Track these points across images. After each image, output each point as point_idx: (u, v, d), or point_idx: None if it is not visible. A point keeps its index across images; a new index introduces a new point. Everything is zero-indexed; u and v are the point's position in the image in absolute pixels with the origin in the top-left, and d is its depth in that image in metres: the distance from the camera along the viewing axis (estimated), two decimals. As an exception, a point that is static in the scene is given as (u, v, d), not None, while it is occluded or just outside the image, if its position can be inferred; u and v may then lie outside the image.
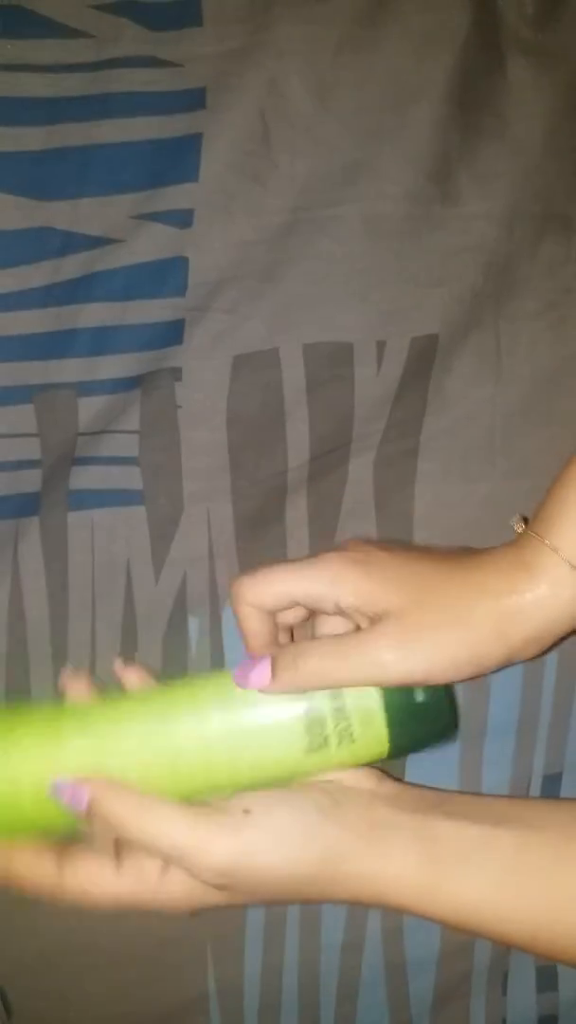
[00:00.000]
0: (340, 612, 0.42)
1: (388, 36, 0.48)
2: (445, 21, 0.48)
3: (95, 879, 0.43)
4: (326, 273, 0.50)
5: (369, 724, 0.42)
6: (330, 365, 0.51)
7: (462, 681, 0.42)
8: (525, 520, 0.43)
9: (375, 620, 0.41)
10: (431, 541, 0.53)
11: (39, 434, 0.50)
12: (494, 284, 0.50)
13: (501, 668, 0.42)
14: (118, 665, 0.46)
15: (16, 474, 0.50)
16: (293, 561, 0.44)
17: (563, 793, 0.56)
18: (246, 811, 0.42)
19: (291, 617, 0.45)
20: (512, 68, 0.50)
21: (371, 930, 0.54)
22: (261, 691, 0.42)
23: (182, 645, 0.54)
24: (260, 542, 0.53)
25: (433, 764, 0.52)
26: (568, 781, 0.56)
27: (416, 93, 0.49)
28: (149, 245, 0.49)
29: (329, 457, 0.52)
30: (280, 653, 0.42)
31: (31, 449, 0.50)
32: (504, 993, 0.55)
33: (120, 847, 0.43)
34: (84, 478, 0.51)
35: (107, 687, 0.46)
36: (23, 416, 0.50)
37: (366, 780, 0.45)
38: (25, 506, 0.51)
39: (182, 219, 0.49)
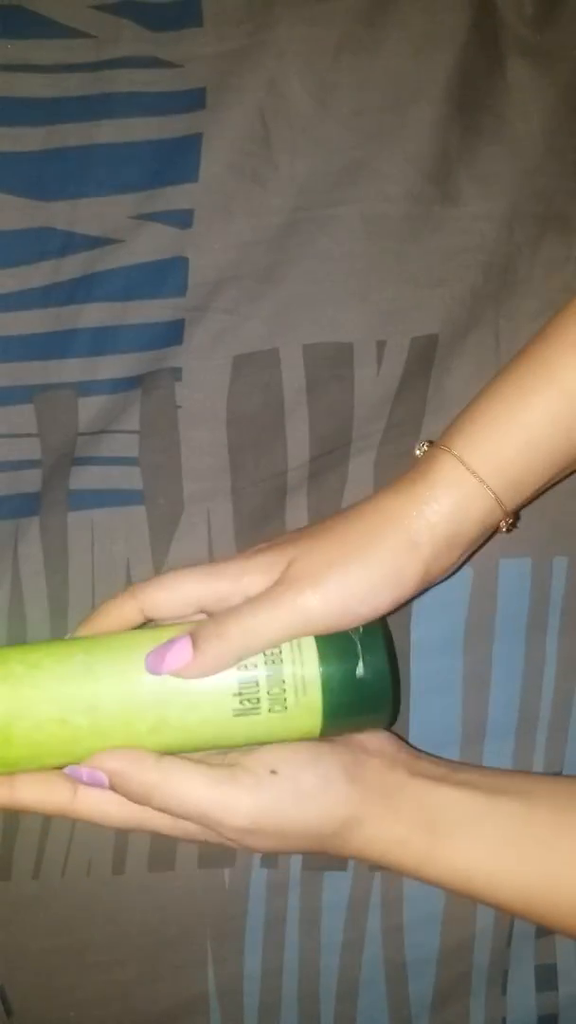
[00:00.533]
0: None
1: (388, 37, 0.48)
2: (445, 22, 0.49)
3: (111, 799, 0.43)
4: (326, 273, 0.50)
5: (304, 692, 0.41)
6: (330, 365, 0.51)
7: (391, 611, 0.42)
8: (429, 442, 0.44)
9: (282, 574, 0.42)
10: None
11: (39, 434, 0.50)
12: (494, 284, 0.51)
13: (423, 588, 0.42)
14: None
15: (16, 474, 0.50)
16: (197, 565, 0.44)
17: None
18: (273, 772, 0.42)
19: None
20: (511, 68, 0.50)
21: (371, 930, 0.54)
22: (184, 675, 0.41)
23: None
24: (260, 542, 0.53)
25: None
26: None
27: (416, 93, 0.49)
28: (149, 245, 0.49)
29: (329, 457, 0.52)
30: (198, 628, 0.42)
31: (31, 449, 0.50)
32: (504, 992, 0.55)
33: None
34: (84, 478, 0.51)
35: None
36: (23, 416, 0.50)
37: (388, 744, 0.45)
38: (25, 506, 0.51)
39: (182, 219, 0.49)
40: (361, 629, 0.43)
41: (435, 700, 0.52)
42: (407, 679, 0.52)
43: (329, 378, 0.51)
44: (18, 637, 0.51)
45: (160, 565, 0.52)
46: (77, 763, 0.43)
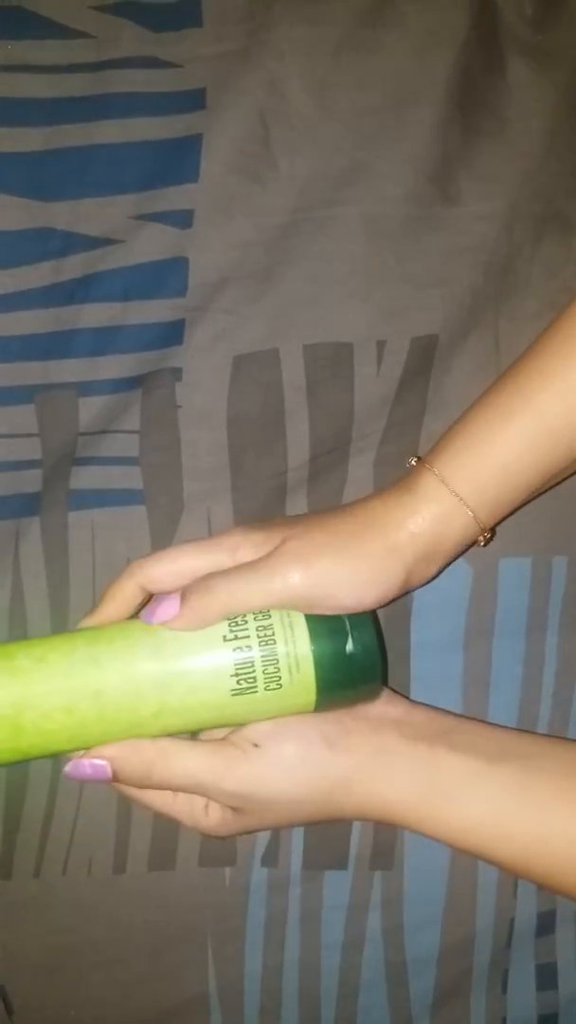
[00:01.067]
0: None
1: (388, 37, 0.48)
2: (445, 22, 0.49)
3: (157, 793, 0.46)
4: (326, 273, 0.50)
5: (297, 670, 0.43)
6: (330, 365, 0.51)
7: (373, 608, 0.44)
8: (419, 457, 0.46)
9: (276, 548, 0.43)
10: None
11: (40, 434, 0.50)
12: (494, 284, 0.51)
13: (404, 591, 0.44)
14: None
15: (17, 474, 0.50)
16: (192, 540, 0.46)
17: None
18: (255, 745, 0.44)
19: None
20: (512, 69, 0.50)
21: (371, 929, 0.54)
22: (174, 626, 0.43)
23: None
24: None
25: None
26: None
27: (416, 94, 0.49)
28: (149, 245, 0.49)
29: (329, 457, 0.52)
30: (189, 586, 0.44)
31: (32, 449, 0.50)
32: (504, 991, 0.55)
33: None
34: (85, 478, 0.51)
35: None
36: (24, 416, 0.50)
37: (374, 708, 0.47)
38: (26, 506, 0.51)
39: (182, 219, 0.49)
40: None
41: (435, 699, 0.52)
42: (407, 678, 0.52)
43: (329, 378, 0.51)
44: (19, 636, 0.51)
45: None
46: (85, 748, 0.44)
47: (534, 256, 0.51)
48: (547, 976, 0.55)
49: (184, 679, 0.43)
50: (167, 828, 0.52)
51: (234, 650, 0.43)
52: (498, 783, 0.45)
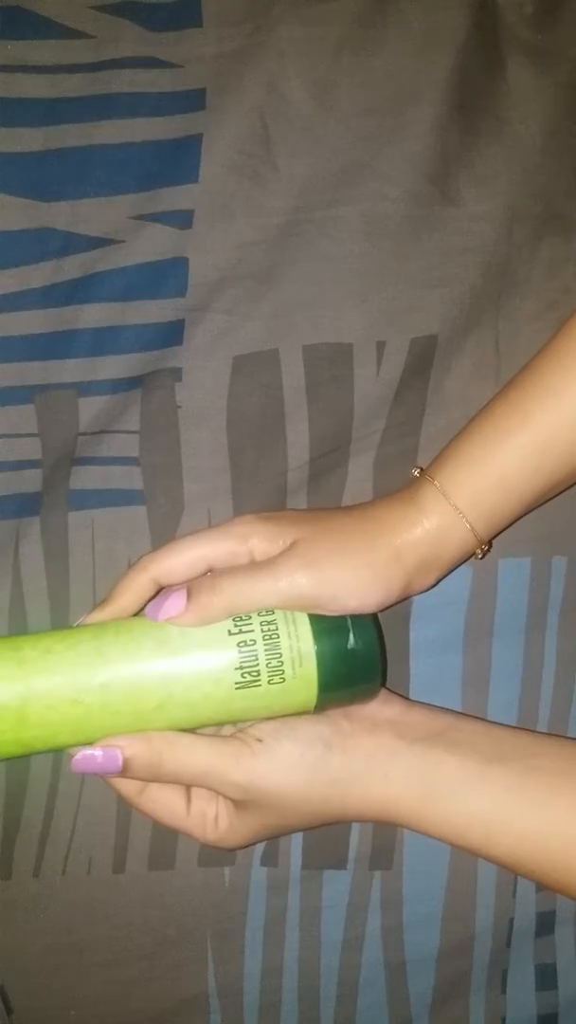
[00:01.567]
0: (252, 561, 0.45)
1: (388, 37, 0.48)
2: (445, 22, 0.49)
3: (168, 809, 0.47)
4: (326, 274, 0.50)
5: (300, 664, 0.44)
6: (330, 365, 0.51)
7: (375, 609, 0.45)
8: (421, 469, 0.48)
9: (285, 549, 0.44)
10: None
11: (40, 434, 0.50)
12: (493, 284, 0.51)
13: (404, 597, 0.46)
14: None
15: (17, 474, 0.50)
16: (202, 530, 0.46)
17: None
18: (258, 740, 0.45)
19: None
20: (512, 69, 0.50)
21: (371, 929, 0.54)
22: (179, 622, 0.44)
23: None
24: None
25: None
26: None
27: (416, 94, 0.49)
28: (149, 246, 0.49)
29: (329, 457, 0.52)
30: (195, 583, 0.44)
31: (32, 449, 0.50)
32: (503, 991, 0.55)
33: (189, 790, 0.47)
34: (85, 478, 0.51)
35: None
36: (24, 416, 0.50)
37: (370, 709, 0.47)
38: (26, 506, 0.51)
39: (182, 220, 0.49)
40: None
41: (434, 698, 0.52)
42: (406, 677, 0.53)
43: (329, 378, 0.51)
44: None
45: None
46: (89, 741, 0.44)
47: (533, 256, 0.51)
48: (546, 976, 0.55)
49: (189, 672, 0.44)
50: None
51: (238, 644, 0.44)
52: (495, 782, 0.45)
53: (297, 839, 0.53)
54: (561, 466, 0.44)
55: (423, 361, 0.51)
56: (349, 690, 0.45)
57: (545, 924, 0.55)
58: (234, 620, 0.44)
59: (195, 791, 0.47)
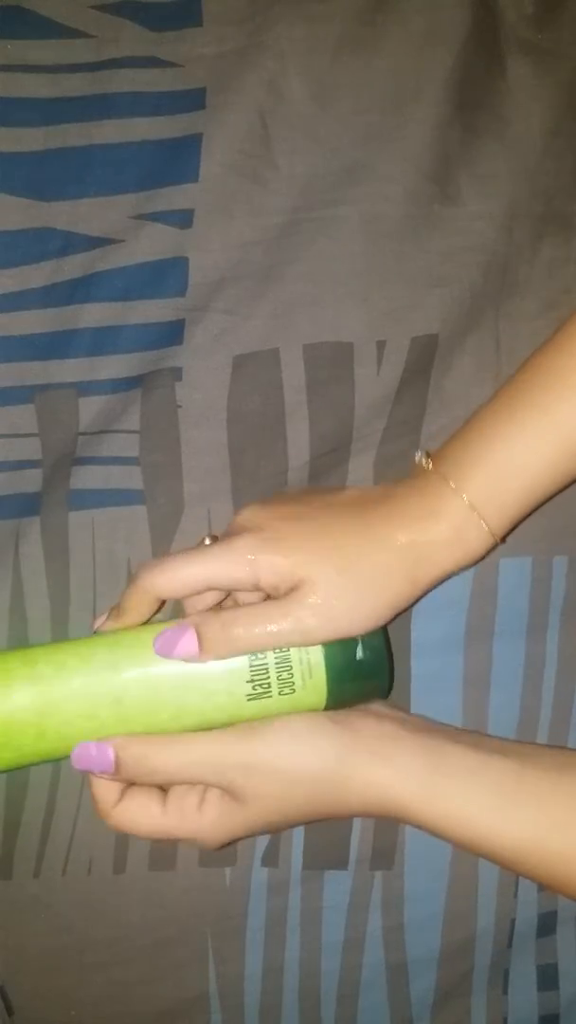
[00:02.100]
0: (257, 590, 0.44)
1: (388, 36, 0.48)
2: (445, 21, 0.49)
3: (143, 812, 0.46)
4: (326, 273, 0.50)
5: (310, 675, 0.45)
6: (330, 365, 0.51)
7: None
8: (428, 455, 0.46)
9: (294, 588, 0.43)
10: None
11: (40, 434, 0.50)
12: (494, 284, 0.51)
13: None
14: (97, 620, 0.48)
15: (17, 474, 0.50)
16: (204, 547, 0.45)
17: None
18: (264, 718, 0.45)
19: (204, 601, 0.46)
20: (512, 68, 0.50)
21: (371, 929, 0.54)
22: (187, 660, 0.44)
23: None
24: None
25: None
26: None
27: (416, 93, 0.49)
28: (149, 245, 0.49)
29: (329, 457, 0.52)
30: (205, 621, 0.44)
31: (32, 449, 0.50)
32: (505, 992, 0.55)
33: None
34: (85, 478, 0.51)
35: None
36: (24, 416, 0.50)
37: (375, 704, 0.48)
38: (26, 506, 0.51)
39: (182, 219, 0.49)
40: None
41: (435, 699, 0.52)
42: (407, 678, 0.53)
43: (329, 378, 0.51)
44: (20, 636, 0.51)
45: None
46: None
47: (534, 256, 0.51)
48: (548, 977, 0.55)
49: (202, 685, 0.44)
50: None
51: (250, 657, 0.44)
52: (498, 772, 0.46)
53: (298, 839, 0.53)
54: (574, 459, 0.44)
55: (423, 360, 0.51)
56: (358, 697, 0.47)
57: (547, 924, 0.55)
58: None
59: (172, 790, 0.47)
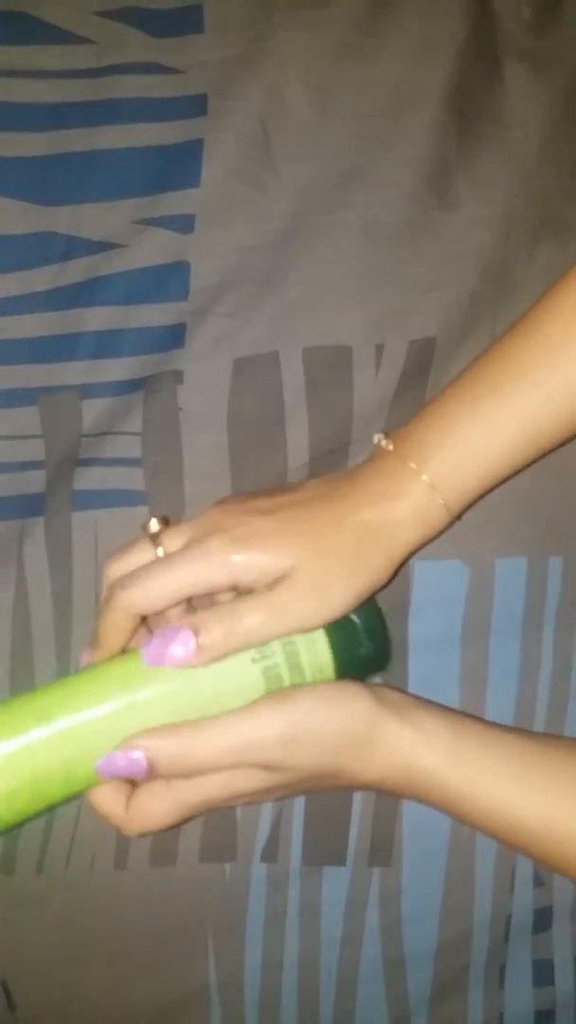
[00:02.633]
0: (234, 589, 0.44)
1: (387, 43, 0.49)
2: (443, 28, 0.49)
3: (157, 807, 0.45)
4: (325, 277, 0.50)
5: (320, 676, 0.45)
6: (329, 368, 0.51)
7: None
8: (387, 435, 0.47)
9: (278, 579, 0.43)
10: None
11: (43, 436, 0.51)
12: (491, 288, 0.51)
13: None
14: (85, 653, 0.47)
15: (21, 475, 0.51)
16: (174, 556, 0.44)
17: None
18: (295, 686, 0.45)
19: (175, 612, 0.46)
20: (509, 74, 0.50)
21: (369, 924, 0.54)
22: (189, 666, 0.43)
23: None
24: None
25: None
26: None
27: (414, 99, 0.49)
28: (151, 250, 0.49)
29: (329, 458, 0.52)
30: (202, 620, 0.43)
31: (35, 451, 0.51)
32: (501, 987, 0.55)
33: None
34: (87, 479, 0.52)
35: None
36: (27, 418, 0.50)
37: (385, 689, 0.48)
38: (29, 507, 0.51)
39: (183, 224, 0.49)
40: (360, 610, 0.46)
41: (432, 696, 0.52)
42: (404, 676, 0.53)
43: (328, 380, 0.51)
44: (23, 637, 0.52)
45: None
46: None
47: (531, 260, 0.51)
48: (544, 972, 0.56)
49: (220, 703, 0.44)
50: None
51: (264, 671, 0.44)
52: (519, 745, 0.46)
53: (297, 835, 0.54)
54: (533, 445, 0.45)
55: (421, 363, 0.51)
56: (360, 669, 0.47)
57: (543, 920, 0.55)
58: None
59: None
